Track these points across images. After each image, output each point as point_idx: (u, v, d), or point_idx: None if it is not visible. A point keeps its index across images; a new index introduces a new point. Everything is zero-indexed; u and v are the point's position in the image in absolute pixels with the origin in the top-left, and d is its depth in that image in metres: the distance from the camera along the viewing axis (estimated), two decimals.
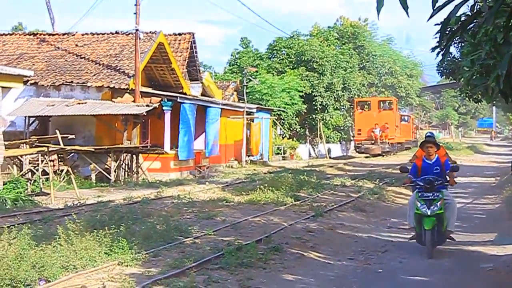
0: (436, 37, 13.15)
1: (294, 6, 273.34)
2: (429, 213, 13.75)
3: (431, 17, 5.06)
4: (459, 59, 22.17)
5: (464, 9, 6.52)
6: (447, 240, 14.59)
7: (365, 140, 61.47)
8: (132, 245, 12.87)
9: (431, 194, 13.89)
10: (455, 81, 30.35)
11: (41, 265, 10.87)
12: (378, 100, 65.64)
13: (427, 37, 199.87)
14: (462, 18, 7.45)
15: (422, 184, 14.06)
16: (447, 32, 6.05)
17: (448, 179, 14.43)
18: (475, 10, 5.29)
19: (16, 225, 14.84)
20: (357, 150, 63.57)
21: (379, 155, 59.48)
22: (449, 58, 25.25)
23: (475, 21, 5.72)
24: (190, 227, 16.15)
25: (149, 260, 12.54)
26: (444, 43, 6.69)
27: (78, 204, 21.36)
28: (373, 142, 60.86)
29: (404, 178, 15.68)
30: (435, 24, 8.26)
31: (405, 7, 4.21)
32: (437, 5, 5.02)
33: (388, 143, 61.60)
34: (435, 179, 14.04)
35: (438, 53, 12.13)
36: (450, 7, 5.33)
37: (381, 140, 60.84)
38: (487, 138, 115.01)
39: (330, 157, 63.12)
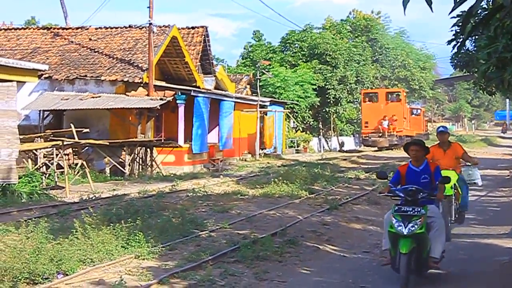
0: (452, 30, 13.17)
1: None
2: (405, 233, 10.64)
3: (452, 10, 5.06)
4: (473, 52, 22.08)
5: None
6: (432, 270, 11.47)
7: (372, 133, 60.31)
8: (148, 239, 12.92)
9: (411, 209, 10.80)
10: (469, 73, 30.26)
11: (59, 259, 10.92)
12: (385, 92, 64.29)
13: (439, 30, 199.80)
14: (479, 11, 7.44)
15: (402, 195, 11.15)
16: (468, 25, 6.04)
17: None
18: (495, 4, 5.28)
19: (33, 219, 14.94)
20: (364, 143, 62.77)
21: (386, 148, 58.50)
22: (463, 51, 25.16)
23: (496, 15, 5.70)
24: (205, 220, 16.18)
25: (165, 253, 12.58)
26: (463, 37, 6.68)
27: (93, 198, 21.43)
28: (380, 134, 59.79)
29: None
30: (451, 17, 8.26)
31: (429, 2, 4.22)
32: None
33: (396, 135, 59.97)
34: (420, 191, 11.09)
35: (454, 46, 12.16)
36: (469, 1, 5.34)
37: (388, 132, 59.61)
38: (498, 131, 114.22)
39: (343, 150, 62.78)
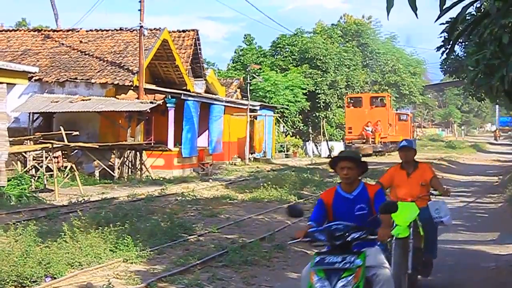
0: (441, 36, 13.25)
1: (297, 2, 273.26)
2: None
3: (438, 17, 5.12)
4: (463, 58, 22.21)
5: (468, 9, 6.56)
6: None
7: (356, 139, 58.33)
8: (137, 242, 12.96)
9: (339, 260, 7.01)
10: (458, 79, 30.39)
11: (47, 262, 10.94)
12: (370, 96, 62.33)
13: (429, 36, 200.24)
14: (467, 18, 7.51)
15: (323, 239, 7.32)
16: (454, 32, 6.11)
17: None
18: (482, 11, 5.36)
19: (21, 222, 14.95)
20: (347, 149, 60.14)
21: (370, 155, 54.83)
22: (452, 57, 25.28)
23: (482, 22, 5.78)
24: (194, 224, 16.24)
25: (154, 257, 12.62)
26: (450, 43, 6.75)
27: (82, 201, 21.41)
28: (364, 141, 57.87)
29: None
30: (440, 24, 8.34)
31: (415, 9, 4.28)
32: (444, 6, 5.08)
33: (381, 142, 58.44)
34: (352, 229, 7.23)
35: (443, 52, 12.24)
36: (456, 8, 5.40)
37: (372, 139, 57.93)
38: (490, 137, 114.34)
39: (331, 156, 62.28)
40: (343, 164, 7.73)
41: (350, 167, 7.69)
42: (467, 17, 7.61)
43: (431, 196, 10.93)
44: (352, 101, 61.40)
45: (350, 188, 7.80)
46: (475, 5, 5.26)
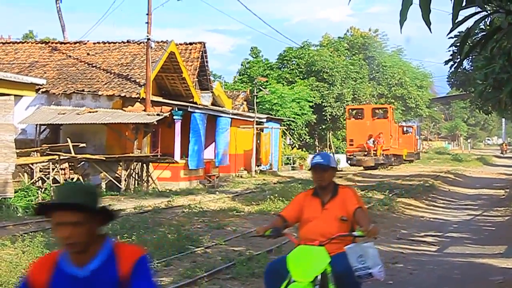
0: (449, 50, 13.30)
1: (303, 16, 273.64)
2: None
3: (450, 31, 5.13)
4: (470, 71, 22.24)
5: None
6: None
7: (357, 151, 56.51)
8: None
9: None
10: (465, 92, 30.43)
11: None
12: (371, 108, 60.46)
13: (435, 49, 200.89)
14: (476, 32, 7.53)
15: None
16: (465, 46, 6.12)
17: None
18: (493, 26, 5.38)
19: (29, 233, 14.96)
20: (349, 162, 57.96)
21: (372, 167, 54.54)
22: (459, 70, 25.32)
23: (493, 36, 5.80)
24: (201, 236, 16.23)
25: (161, 269, 12.60)
26: (460, 57, 6.77)
27: None
28: (366, 153, 55.96)
29: None
30: (449, 38, 8.35)
31: (428, 23, 4.29)
32: (456, 20, 5.10)
33: (383, 154, 56.21)
34: None
35: (452, 65, 12.30)
36: (466, 22, 5.42)
37: (374, 151, 55.75)
38: (497, 150, 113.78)
39: (339, 168, 62.00)
40: (60, 217, 4.08)
41: (75, 223, 4.04)
42: (476, 31, 7.63)
43: (354, 237, 7.27)
44: (353, 113, 60.12)
45: (84, 258, 4.16)
46: (486, 19, 5.27)
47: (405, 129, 70.85)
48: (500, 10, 4.86)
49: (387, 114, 58.72)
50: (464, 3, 4.77)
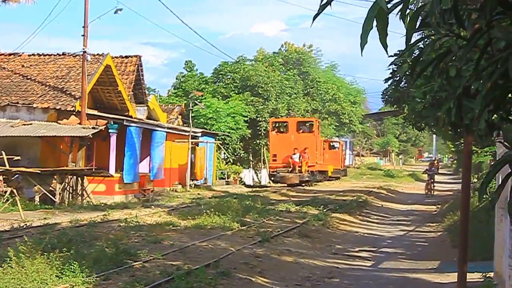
0: (389, 69, 13.64)
1: (238, 30, 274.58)
2: None
3: (403, 53, 5.37)
4: (404, 88, 22.68)
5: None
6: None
7: (281, 167, 53.42)
8: (83, 268, 12.95)
9: None
10: (398, 109, 30.93)
11: None
12: (296, 121, 57.42)
13: (367, 66, 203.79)
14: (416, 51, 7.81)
15: None
16: (404, 65, 6.38)
17: None
18: (442, 49, 5.62)
19: None
20: (272, 178, 55.38)
21: (296, 185, 51.30)
22: (393, 87, 25.77)
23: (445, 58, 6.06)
24: (138, 251, 16.25)
25: (99, 283, 12.63)
26: (399, 75, 7.03)
27: (24, 226, 21.25)
28: (290, 169, 52.79)
29: None
30: (389, 56, 8.62)
31: (385, 46, 4.48)
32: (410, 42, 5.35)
33: (308, 171, 53.42)
34: None
35: (391, 83, 12.61)
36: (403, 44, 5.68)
37: (299, 167, 52.71)
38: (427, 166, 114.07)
39: (260, 185, 60.77)
40: None
41: None
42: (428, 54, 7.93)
43: None
44: (277, 126, 57.69)
45: None
46: (437, 42, 5.51)
47: (331, 144, 70.30)
48: (450, 34, 5.11)
49: (313, 128, 56.61)
50: (417, 26, 5.01)
